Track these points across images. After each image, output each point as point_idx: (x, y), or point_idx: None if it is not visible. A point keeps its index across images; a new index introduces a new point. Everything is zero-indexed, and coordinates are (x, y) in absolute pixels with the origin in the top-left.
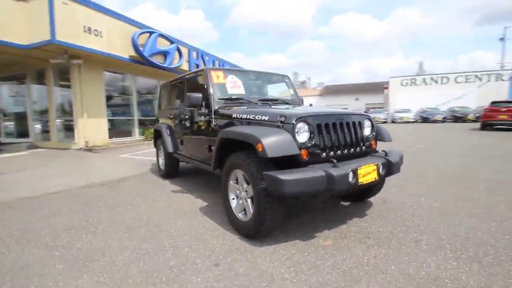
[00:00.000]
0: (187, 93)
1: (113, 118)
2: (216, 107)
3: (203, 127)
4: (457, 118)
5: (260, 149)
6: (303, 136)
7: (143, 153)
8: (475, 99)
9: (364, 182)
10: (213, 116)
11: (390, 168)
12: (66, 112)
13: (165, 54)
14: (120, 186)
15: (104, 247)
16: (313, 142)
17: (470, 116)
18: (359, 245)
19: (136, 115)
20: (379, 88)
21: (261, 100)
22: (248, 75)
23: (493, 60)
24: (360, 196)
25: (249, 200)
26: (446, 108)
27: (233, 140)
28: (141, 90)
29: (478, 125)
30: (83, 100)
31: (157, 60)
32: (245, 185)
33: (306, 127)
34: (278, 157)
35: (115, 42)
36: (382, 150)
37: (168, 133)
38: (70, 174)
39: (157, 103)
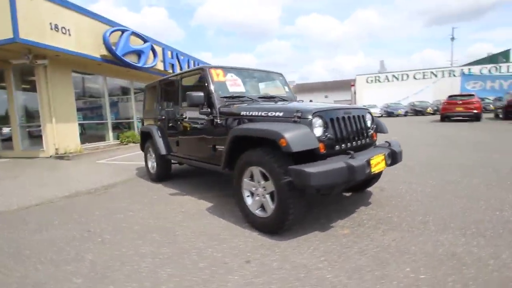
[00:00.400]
0: (188, 92)
1: (84, 122)
2: (219, 106)
3: (205, 127)
4: (417, 111)
5: (283, 144)
6: (318, 130)
7: (121, 158)
8: (432, 93)
9: (376, 172)
10: (218, 115)
11: (394, 157)
12: (32, 117)
13: (139, 53)
14: (109, 193)
15: (121, 256)
16: (327, 136)
17: (429, 110)
18: (375, 231)
19: (109, 118)
20: (346, 85)
21: (260, 97)
22: (245, 73)
23: (443, 58)
24: (362, 186)
25: (267, 196)
26: (407, 103)
27: (246, 138)
28: (113, 91)
29: (437, 117)
30: (51, 103)
31: (131, 59)
32: (263, 182)
33: (321, 121)
34: (297, 152)
35: (84, 40)
36: (386, 141)
37: (159, 134)
38: (47, 184)
39: (130, 105)
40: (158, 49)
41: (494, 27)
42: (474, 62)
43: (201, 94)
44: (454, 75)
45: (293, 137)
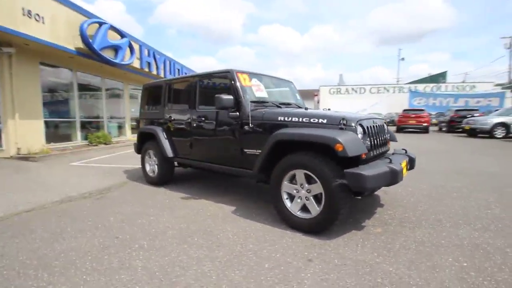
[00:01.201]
0: (217, 95)
1: (51, 119)
2: (249, 110)
3: (232, 130)
4: None
5: (340, 149)
6: (360, 137)
7: (98, 160)
8: (385, 107)
9: (404, 176)
10: (249, 119)
11: (412, 163)
12: None
13: (116, 48)
14: (108, 198)
15: (174, 261)
16: (367, 142)
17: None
18: (404, 229)
19: (78, 117)
20: (310, 95)
21: (281, 103)
22: (264, 79)
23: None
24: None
25: (311, 198)
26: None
27: (289, 142)
28: (83, 87)
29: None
30: (14, 97)
31: (108, 55)
32: (307, 185)
33: (361, 129)
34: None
35: (59, 30)
36: (402, 149)
37: (165, 136)
38: (27, 188)
39: (101, 103)
40: (136, 46)
41: (430, 51)
42: (418, 80)
43: (231, 97)
44: (403, 91)
45: (348, 142)
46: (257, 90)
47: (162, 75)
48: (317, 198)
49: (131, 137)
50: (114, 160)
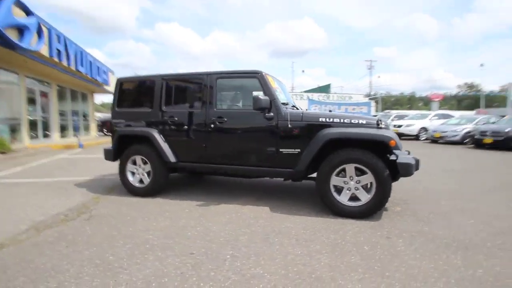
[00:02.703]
0: (255, 96)
1: None
2: (284, 111)
3: (268, 131)
4: None
5: (393, 145)
6: None
7: (17, 175)
8: None
9: None
10: (288, 120)
11: (417, 164)
12: None
13: (22, 29)
14: (98, 217)
15: (247, 279)
16: None
17: None
18: (432, 220)
19: None
20: None
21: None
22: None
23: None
24: None
25: (361, 188)
26: None
27: (338, 140)
28: None
29: None
30: None
31: (12, 35)
32: (356, 177)
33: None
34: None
35: None
36: (406, 150)
37: (163, 139)
38: None
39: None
40: (44, 30)
41: (312, 66)
42: (311, 90)
43: (268, 98)
44: (303, 99)
45: (395, 139)
46: (279, 93)
47: (73, 67)
48: (366, 188)
49: (30, 144)
50: (41, 173)
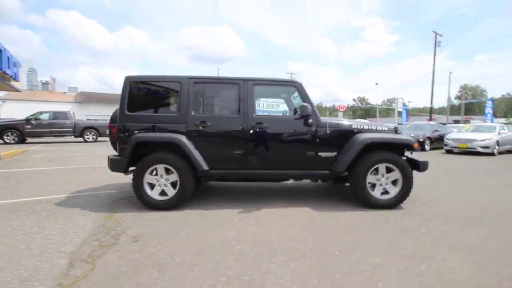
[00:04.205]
0: (303, 104)
1: None
2: (324, 119)
3: (309, 136)
4: None
5: (416, 147)
6: None
7: None
8: None
9: None
10: (327, 127)
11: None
12: None
13: None
14: (145, 237)
15: (374, 267)
16: None
17: None
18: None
19: None
20: None
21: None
22: None
23: None
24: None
25: (390, 183)
26: None
27: (373, 144)
28: None
29: None
30: None
31: None
32: (386, 174)
33: None
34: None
35: None
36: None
37: (194, 146)
38: None
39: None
40: None
41: (232, 74)
42: None
43: (309, 106)
44: None
45: (416, 142)
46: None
47: None
48: (394, 183)
49: None
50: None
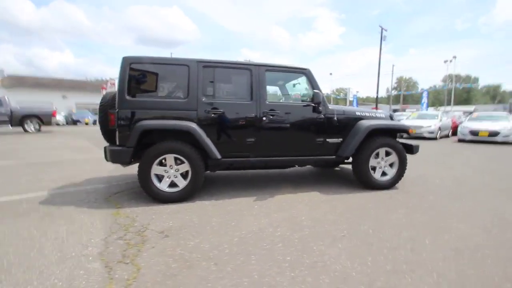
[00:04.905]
0: (316, 91)
1: None
2: (331, 106)
3: (318, 123)
4: None
5: (411, 132)
6: None
7: None
8: None
9: None
10: (335, 113)
11: None
12: None
13: None
14: (174, 231)
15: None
16: None
17: None
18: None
19: None
20: (91, 87)
21: None
22: None
23: None
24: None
25: (388, 166)
26: None
27: (376, 130)
28: None
29: None
30: None
31: None
32: (386, 157)
33: None
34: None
35: None
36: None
37: (206, 134)
38: None
39: None
40: None
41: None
42: None
43: (321, 93)
44: None
45: (410, 128)
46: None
47: None
48: (392, 165)
49: None
50: None
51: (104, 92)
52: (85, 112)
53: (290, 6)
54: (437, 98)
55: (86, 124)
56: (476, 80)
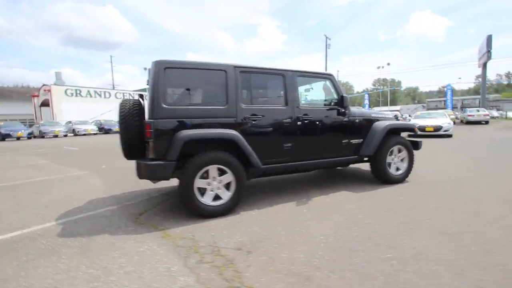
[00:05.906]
0: (345, 95)
1: None
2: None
3: (345, 125)
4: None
5: (416, 131)
6: None
7: None
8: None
9: None
10: (357, 116)
11: None
12: None
13: None
14: (254, 245)
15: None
16: None
17: (117, 128)
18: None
19: None
20: (18, 95)
21: None
22: None
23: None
24: None
25: (400, 162)
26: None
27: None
28: None
29: None
30: None
31: None
32: (398, 153)
33: None
34: None
35: None
36: None
37: (247, 141)
38: None
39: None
40: None
41: (122, 63)
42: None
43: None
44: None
45: (416, 127)
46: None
47: None
48: (402, 160)
49: None
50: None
51: (35, 100)
52: (16, 124)
53: (234, 11)
54: (370, 100)
55: (18, 139)
56: (399, 83)
